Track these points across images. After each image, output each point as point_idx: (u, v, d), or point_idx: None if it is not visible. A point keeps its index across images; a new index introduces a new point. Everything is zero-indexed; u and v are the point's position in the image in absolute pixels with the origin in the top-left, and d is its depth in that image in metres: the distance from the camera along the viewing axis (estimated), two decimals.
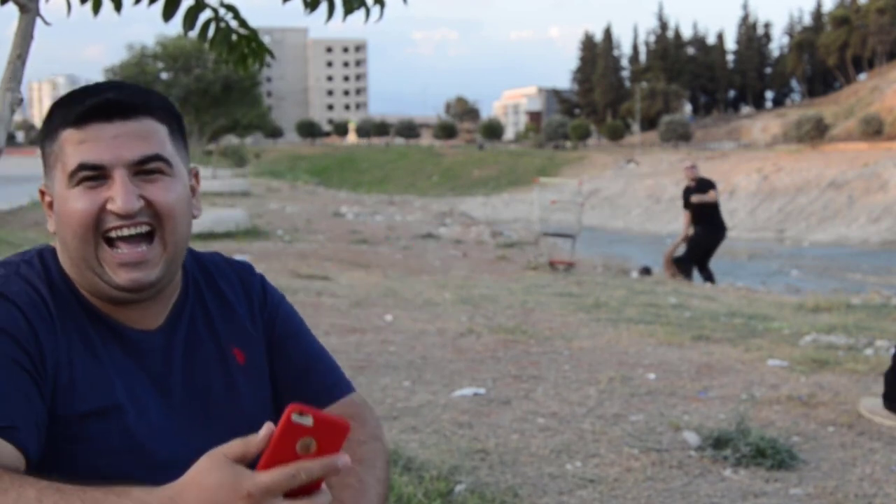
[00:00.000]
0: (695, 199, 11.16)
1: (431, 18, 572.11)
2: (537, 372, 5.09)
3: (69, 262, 1.20)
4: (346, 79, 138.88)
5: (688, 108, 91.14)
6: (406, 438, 3.76)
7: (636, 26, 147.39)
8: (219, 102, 62.02)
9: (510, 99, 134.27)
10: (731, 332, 6.47)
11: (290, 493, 0.89)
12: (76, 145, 1.15)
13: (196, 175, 1.30)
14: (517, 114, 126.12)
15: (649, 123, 79.65)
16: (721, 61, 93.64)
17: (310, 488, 0.90)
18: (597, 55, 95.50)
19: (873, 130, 53.35)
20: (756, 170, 41.72)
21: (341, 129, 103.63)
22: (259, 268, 1.48)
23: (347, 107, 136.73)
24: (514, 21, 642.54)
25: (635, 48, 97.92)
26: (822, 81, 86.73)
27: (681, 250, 12.07)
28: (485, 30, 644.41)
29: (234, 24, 2.29)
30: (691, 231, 11.53)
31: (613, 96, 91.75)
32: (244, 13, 2.28)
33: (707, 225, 11.33)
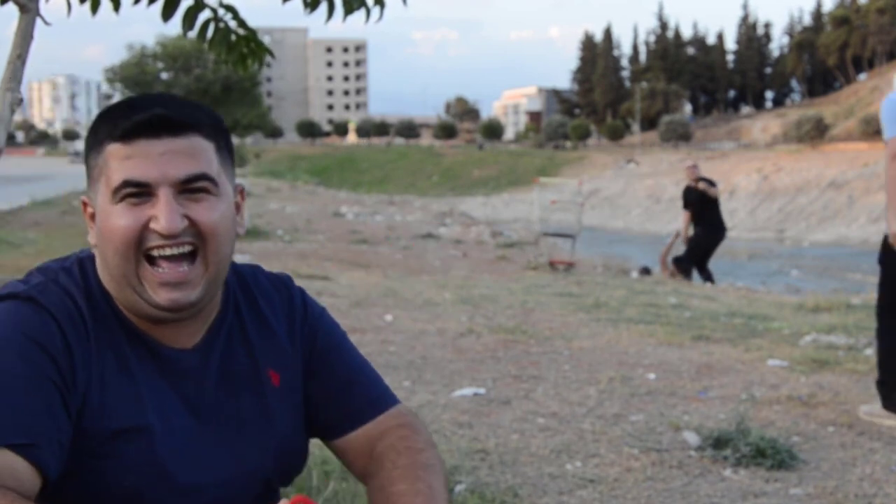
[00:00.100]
0: (702, 185, 11.18)
1: (431, 18, 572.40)
2: (537, 372, 5.09)
3: (108, 276, 1.18)
4: (346, 79, 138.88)
5: (688, 108, 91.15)
6: None
7: (636, 26, 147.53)
8: (219, 102, 62.00)
9: (510, 99, 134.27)
10: (731, 332, 6.47)
11: None
12: (122, 161, 1.13)
13: (241, 191, 1.27)
14: (517, 114, 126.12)
15: (649, 123, 79.65)
16: (721, 61, 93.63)
17: None
18: (597, 55, 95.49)
19: (873, 130, 53.30)
20: (756, 170, 41.73)
21: (341, 129, 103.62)
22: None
23: (347, 107, 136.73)
24: (514, 21, 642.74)
25: (635, 48, 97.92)
26: (822, 81, 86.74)
27: (676, 249, 12.08)
28: (485, 30, 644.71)
29: (233, 24, 2.29)
30: (691, 232, 11.54)
31: (613, 96, 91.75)
32: (244, 13, 2.28)
33: (707, 225, 11.33)
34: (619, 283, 10.42)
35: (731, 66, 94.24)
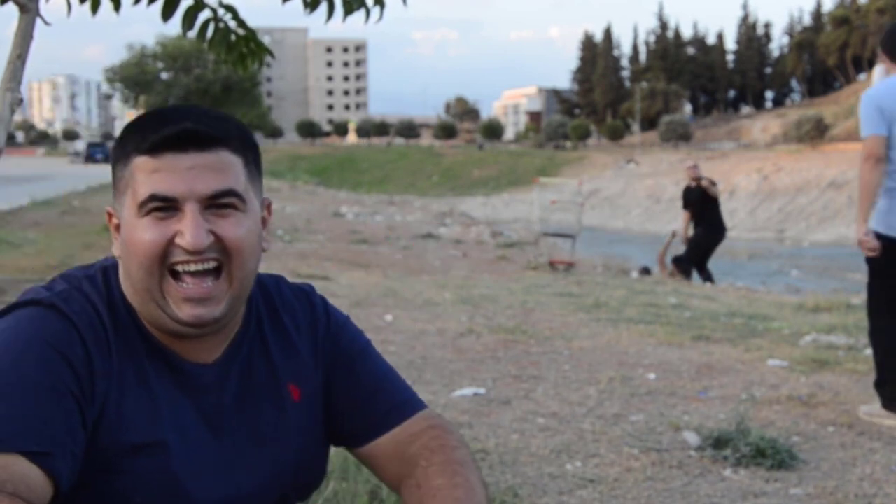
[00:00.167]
0: (705, 182, 11.19)
1: (431, 18, 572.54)
2: (537, 372, 5.09)
3: (132, 289, 1.17)
4: (346, 79, 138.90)
5: (688, 108, 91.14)
6: None
7: (636, 26, 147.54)
8: (219, 102, 61.99)
9: (510, 99, 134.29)
10: (731, 332, 6.47)
11: None
12: (149, 174, 1.12)
13: (269, 206, 1.26)
14: (517, 114, 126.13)
15: (649, 123, 79.64)
16: (721, 61, 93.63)
17: None
18: (597, 55, 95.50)
19: None
20: (756, 170, 41.72)
21: (341, 129, 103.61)
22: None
23: (347, 107, 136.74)
24: (514, 21, 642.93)
25: (635, 48, 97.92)
26: (822, 81, 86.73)
27: (675, 249, 12.09)
28: (485, 30, 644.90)
29: (232, 24, 2.29)
30: (691, 232, 11.54)
31: (613, 96, 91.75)
32: (244, 13, 2.28)
33: (707, 225, 11.34)
34: (619, 283, 10.42)
35: (731, 66, 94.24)
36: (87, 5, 2.10)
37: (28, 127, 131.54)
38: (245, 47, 2.34)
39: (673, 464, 3.52)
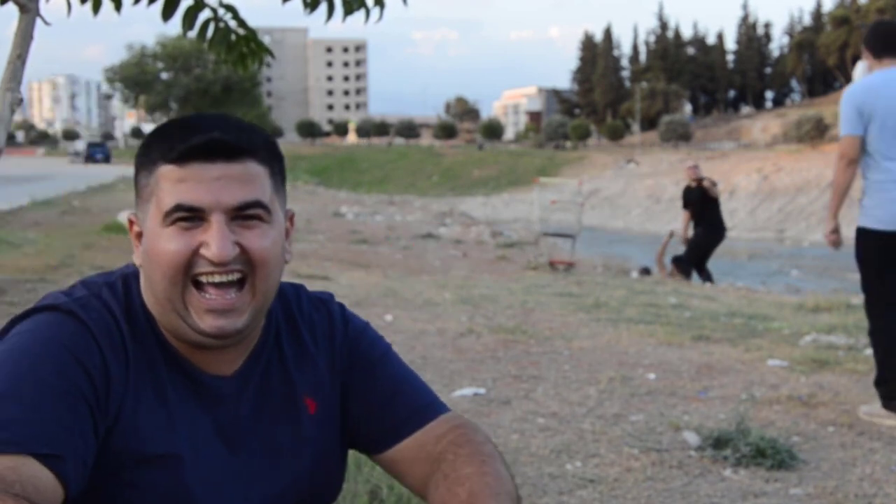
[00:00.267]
0: (706, 183, 11.20)
1: (431, 18, 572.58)
2: (537, 372, 5.09)
3: (153, 298, 1.16)
4: (346, 79, 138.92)
5: (688, 108, 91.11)
6: None
7: (636, 26, 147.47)
8: (219, 102, 62.01)
9: (510, 99, 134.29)
10: (731, 332, 6.47)
11: None
12: (175, 183, 1.11)
13: (291, 217, 1.25)
14: (517, 114, 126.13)
15: (649, 123, 79.62)
16: (721, 61, 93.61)
17: None
18: (597, 55, 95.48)
19: None
20: (756, 170, 41.71)
21: (341, 129, 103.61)
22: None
23: (347, 107, 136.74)
24: (514, 21, 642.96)
25: (635, 48, 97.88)
26: (822, 81, 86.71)
27: (673, 249, 12.09)
28: (485, 30, 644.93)
29: (233, 24, 2.29)
30: (690, 232, 11.55)
31: (613, 96, 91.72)
32: (244, 13, 2.28)
33: (707, 225, 11.35)
34: (619, 283, 10.42)
35: (731, 66, 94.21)
36: (88, 5, 2.10)
37: (28, 127, 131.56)
38: (245, 47, 2.35)
39: (673, 464, 3.52)
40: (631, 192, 44.63)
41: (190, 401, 1.17)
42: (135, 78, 62.28)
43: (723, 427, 3.80)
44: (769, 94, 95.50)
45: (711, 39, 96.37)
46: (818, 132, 53.32)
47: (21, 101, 1.80)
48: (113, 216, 15.62)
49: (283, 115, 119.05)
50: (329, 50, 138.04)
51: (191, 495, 1.14)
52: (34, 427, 1.01)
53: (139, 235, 1.17)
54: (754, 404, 4.40)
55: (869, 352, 5.63)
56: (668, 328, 6.53)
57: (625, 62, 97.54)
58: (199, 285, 1.12)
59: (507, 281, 10.24)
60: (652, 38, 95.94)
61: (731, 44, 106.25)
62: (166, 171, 1.12)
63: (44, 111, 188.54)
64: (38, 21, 1.81)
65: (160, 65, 63.34)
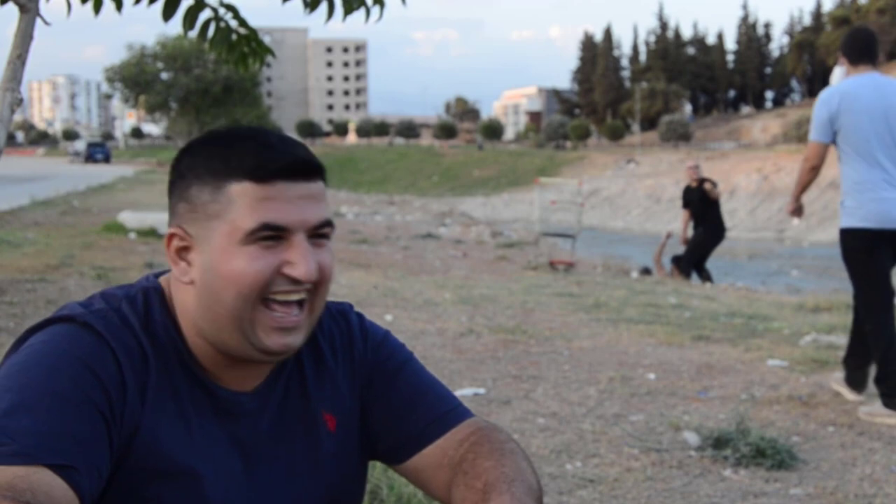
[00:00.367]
0: (708, 185, 11.21)
1: (431, 18, 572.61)
2: (537, 372, 5.09)
3: (210, 316, 1.13)
4: (346, 79, 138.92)
5: (688, 108, 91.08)
6: None
7: (636, 26, 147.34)
8: (219, 102, 61.95)
9: (510, 99, 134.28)
10: (731, 332, 6.47)
11: None
12: (258, 202, 1.09)
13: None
14: (517, 114, 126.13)
15: (649, 123, 79.63)
16: (721, 61, 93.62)
17: None
18: (597, 55, 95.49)
19: None
20: (756, 170, 41.72)
21: (341, 129, 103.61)
22: None
23: (347, 107, 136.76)
24: (515, 21, 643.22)
25: (635, 48, 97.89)
26: (822, 81, 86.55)
27: (671, 249, 12.08)
28: (485, 30, 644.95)
29: (233, 23, 2.29)
30: (690, 232, 11.55)
31: (613, 96, 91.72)
32: (244, 13, 2.28)
33: (708, 226, 11.35)
34: (619, 283, 10.42)
35: (731, 66, 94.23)
36: (88, 5, 2.10)
37: (28, 127, 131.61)
38: (246, 47, 2.35)
39: (673, 464, 3.52)
40: (631, 192, 44.63)
41: (210, 416, 1.17)
42: (135, 78, 62.20)
43: (723, 427, 3.80)
44: (769, 94, 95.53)
45: (711, 39, 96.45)
46: None
47: (21, 101, 1.80)
48: (113, 216, 15.62)
49: (283, 115, 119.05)
50: (329, 50, 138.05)
51: None
52: (47, 438, 1.01)
53: (183, 250, 1.15)
54: (754, 404, 4.40)
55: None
56: (668, 328, 6.53)
57: (625, 62, 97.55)
58: (265, 303, 1.12)
59: (507, 281, 10.24)
60: (652, 38, 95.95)
61: (731, 44, 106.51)
62: (245, 189, 1.10)
63: (44, 111, 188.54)
64: (38, 21, 1.81)
65: (160, 65, 63.25)
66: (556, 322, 6.86)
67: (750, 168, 42.46)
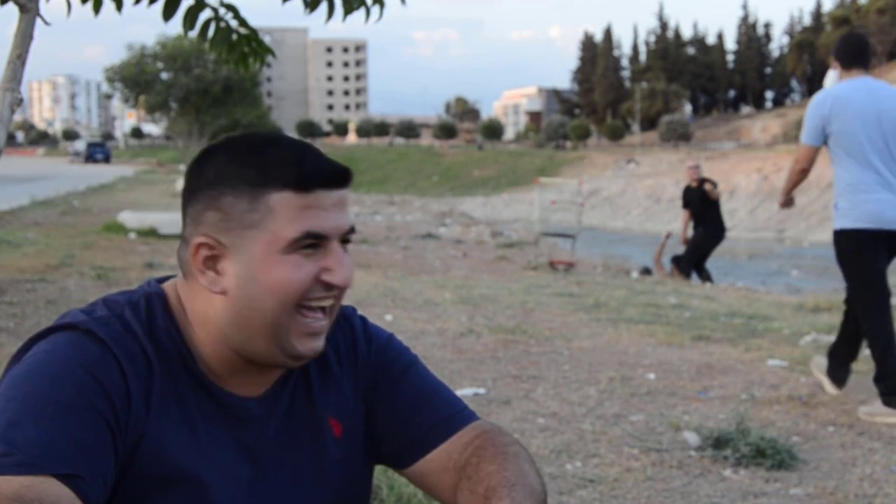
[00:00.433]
0: (708, 186, 11.21)
1: (431, 18, 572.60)
2: (537, 372, 5.09)
3: (242, 325, 1.13)
4: (346, 79, 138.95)
5: (688, 108, 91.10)
6: None
7: (636, 26, 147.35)
8: (219, 102, 61.90)
9: (510, 99, 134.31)
10: (731, 332, 6.47)
11: None
12: (300, 210, 1.11)
13: None
14: (517, 114, 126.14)
15: (649, 123, 79.63)
16: (721, 61, 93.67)
17: None
18: (597, 55, 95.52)
19: None
20: (756, 170, 41.71)
21: (341, 130, 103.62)
22: None
23: (347, 107, 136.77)
24: (515, 21, 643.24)
25: (635, 48, 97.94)
26: (821, 81, 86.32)
27: (671, 249, 12.08)
28: (485, 30, 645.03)
29: (234, 23, 2.29)
30: (690, 232, 11.55)
31: (613, 96, 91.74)
32: (244, 13, 2.28)
33: (708, 225, 11.35)
34: (619, 283, 10.42)
35: (731, 66, 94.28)
36: (88, 5, 2.10)
37: (28, 127, 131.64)
38: (247, 46, 2.34)
39: (673, 464, 3.52)
40: (631, 192, 44.63)
41: (216, 422, 1.16)
42: (135, 78, 62.15)
43: (723, 427, 3.80)
44: (769, 94, 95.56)
45: (711, 39, 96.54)
46: None
47: (21, 101, 1.80)
48: (113, 216, 15.62)
49: (283, 115, 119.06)
50: (329, 50, 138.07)
51: None
52: (53, 448, 1.01)
53: (212, 259, 1.13)
54: (754, 404, 4.40)
55: (868, 352, 5.64)
56: (668, 328, 6.53)
57: (625, 62, 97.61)
58: (298, 309, 1.13)
59: (507, 281, 10.24)
60: (652, 38, 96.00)
61: (731, 44, 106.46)
62: (286, 198, 1.11)
63: (44, 111, 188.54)
64: (38, 21, 1.81)
65: (160, 65, 63.21)
66: (556, 322, 6.86)
67: (750, 168, 42.45)
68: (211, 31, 2.25)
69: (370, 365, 1.30)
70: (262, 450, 1.20)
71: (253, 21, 2.33)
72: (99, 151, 68.46)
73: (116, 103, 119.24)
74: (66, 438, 1.02)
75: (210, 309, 1.15)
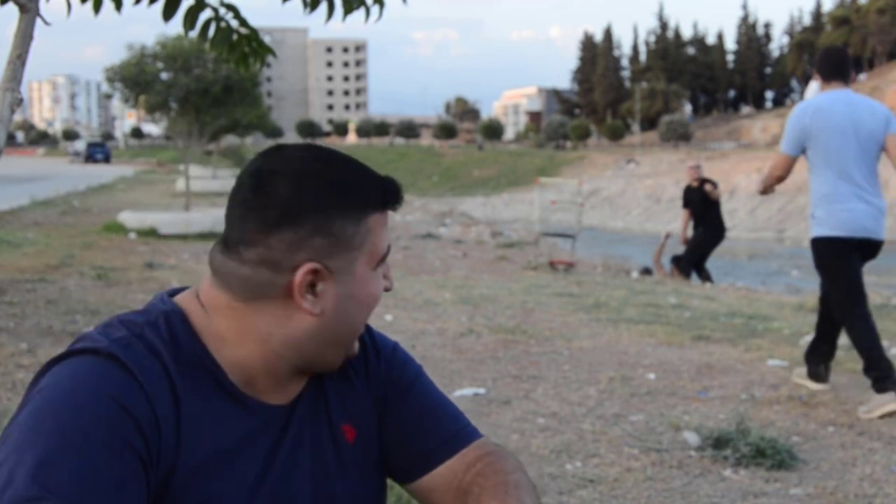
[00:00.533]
0: (708, 186, 11.22)
1: (431, 18, 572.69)
2: (537, 372, 5.09)
3: (327, 340, 1.15)
4: (346, 79, 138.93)
5: (688, 108, 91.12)
6: None
7: (636, 26, 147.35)
8: (219, 102, 61.85)
9: (510, 99, 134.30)
10: (731, 332, 6.47)
11: None
12: (382, 228, 1.19)
13: None
14: (517, 114, 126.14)
15: (649, 123, 79.65)
16: (721, 61, 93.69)
17: None
18: (597, 55, 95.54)
19: None
20: (756, 170, 41.68)
21: (341, 130, 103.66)
22: None
23: (347, 107, 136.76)
24: (515, 21, 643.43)
25: (635, 48, 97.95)
26: None
27: (671, 249, 12.07)
28: (485, 30, 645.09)
29: (234, 23, 2.29)
30: (690, 231, 11.55)
31: (613, 96, 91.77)
32: (244, 13, 2.28)
33: (709, 225, 11.35)
34: (619, 283, 10.42)
35: (731, 66, 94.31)
36: (88, 5, 2.10)
37: (28, 127, 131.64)
38: (247, 46, 2.34)
39: (673, 464, 3.52)
40: (631, 192, 44.65)
41: (240, 431, 1.15)
42: (135, 78, 62.10)
43: (723, 427, 3.80)
44: (769, 94, 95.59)
45: (711, 39, 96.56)
46: None
47: (21, 101, 1.80)
48: (113, 216, 15.63)
49: (283, 115, 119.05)
50: (329, 50, 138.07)
51: None
52: (86, 489, 0.97)
53: (313, 283, 1.12)
54: (754, 404, 4.40)
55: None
56: (668, 328, 6.53)
57: (625, 62, 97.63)
58: None
59: (507, 281, 10.24)
60: (652, 38, 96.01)
61: (731, 44, 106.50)
62: (377, 218, 1.18)
63: (44, 111, 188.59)
64: (38, 21, 1.81)
65: (160, 65, 63.20)
66: (556, 322, 6.86)
67: (750, 168, 42.46)
68: (211, 31, 2.25)
69: (380, 374, 1.29)
70: (287, 455, 1.19)
71: (253, 21, 2.33)
72: (99, 151, 68.42)
73: (116, 103, 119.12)
74: (101, 479, 0.98)
75: (282, 329, 1.13)
